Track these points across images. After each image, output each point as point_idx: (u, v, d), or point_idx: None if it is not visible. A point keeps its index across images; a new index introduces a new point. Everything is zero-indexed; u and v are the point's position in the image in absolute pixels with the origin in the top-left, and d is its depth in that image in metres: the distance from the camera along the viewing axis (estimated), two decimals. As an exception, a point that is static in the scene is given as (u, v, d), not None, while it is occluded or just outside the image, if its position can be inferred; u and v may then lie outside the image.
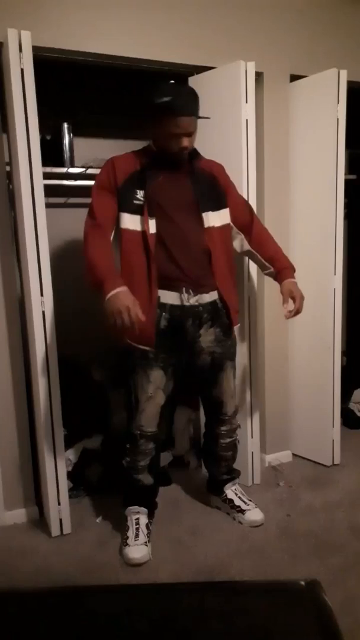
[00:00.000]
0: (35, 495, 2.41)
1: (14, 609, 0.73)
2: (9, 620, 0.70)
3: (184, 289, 2.01)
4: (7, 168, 2.23)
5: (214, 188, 2.10)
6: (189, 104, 1.91)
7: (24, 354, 2.33)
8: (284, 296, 2.15)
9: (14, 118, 1.99)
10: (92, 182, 2.85)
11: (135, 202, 1.97)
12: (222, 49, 2.45)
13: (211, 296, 2.07)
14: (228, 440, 2.32)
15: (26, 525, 2.35)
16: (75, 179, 2.71)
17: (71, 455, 2.52)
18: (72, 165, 2.67)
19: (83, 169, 2.67)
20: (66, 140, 2.65)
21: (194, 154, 2.07)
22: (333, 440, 2.78)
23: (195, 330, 2.06)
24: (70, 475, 2.45)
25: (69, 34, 2.15)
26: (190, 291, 2.01)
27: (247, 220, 2.20)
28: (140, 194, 1.97)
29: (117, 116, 2.87)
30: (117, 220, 2.00)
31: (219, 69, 2.41)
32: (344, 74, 2.51)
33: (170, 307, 2.01)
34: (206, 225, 2.03)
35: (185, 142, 1.91)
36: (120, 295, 1.80)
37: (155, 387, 2.06)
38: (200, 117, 1.95)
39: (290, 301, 2.15)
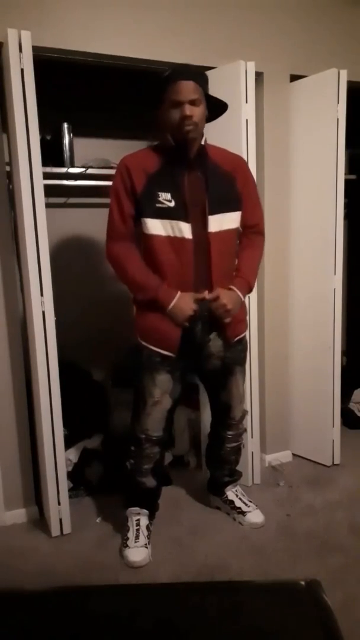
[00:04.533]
0: (35, 495, 2.41)
1: (14, 609, 0.73)
2: (9, 620, 0.70)
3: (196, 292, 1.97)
4: (7, 168, 2.23)
5: (230, 189, 2.00)
6: (190, 71, 1.87)
7: (24, 354, 2.33)
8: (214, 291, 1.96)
9: (14, 118, 1.99)
10: (92, 182, 2.90)
11: (158, 205, 1.88)
12: (222, 49, 2.45)
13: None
14: (234, 444, 2.30)
15: (26, 525, 2.35)
16: (75, 179, 2.71)
17: (71, 455, 2.51)
18: (72, 165, 2.67)
19: (83, 169, 2.67)
20: (66, 140, 2.65)
21: (204, 149, 1.97)
22: (333, 440, 2.78)
23: (204, 335, 2.02)
24: (70, 475, 2.45)
25: (69, 34, 2.15)
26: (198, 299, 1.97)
27: (246, 227, 2.11)
28: (165, 196, 1.88)
29: (117, 116, 2.87)
30: (138, 226, 1.94)
31: (219, 69, 2.41)
32: (344, 74, 2.51)
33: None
34: (211, 229, 1.93)
35: (186, 109, 1.80)
36: (181, 303, 1.89)
37: (162, 391, 2.02)
38: (207, 95, 1.88)
39: (210, 293, 1.95)
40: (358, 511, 2.37)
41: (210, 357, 2.07)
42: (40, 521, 2.37)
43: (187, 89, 1.81)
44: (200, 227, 1.92)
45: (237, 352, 2.13)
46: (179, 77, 1.82)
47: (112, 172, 2.75)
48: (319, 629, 0.74)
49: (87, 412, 2.64)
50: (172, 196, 1.89)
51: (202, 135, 1.94)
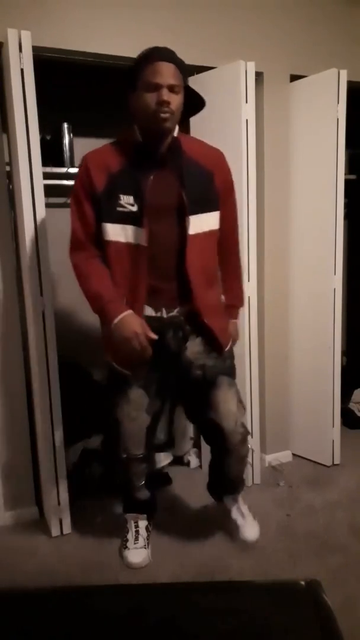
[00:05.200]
0: (35, 495, 2.41)
1: (14, 609, 0.73)
2: (9, 621, 0.70)
3: (162, 302, 1.80)
4: (7, 168, 2.23)
5: (208, 186, 1.79)
6: (172, 54, 1.67)
7: (24, 354, 2.33)
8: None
9: (14, 118, 1.99)
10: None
11: (119, 209, 1.70)
12: (222, 49, 2.45)
13: (189, 307, 1.83)
14: (236, 471, 2.06)
15: (26, 525, 2.35)
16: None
17: (71, 455, 2.51)
18: (72, 165, 2.67)
19: (83, 169, 2.66)
20: (66, 140, 2.65)
21: (176, 142, 1.75)
22: (333, 440, 2.78)
23: (178, 342, 1.84)
24: (70, 476, 2.45)
25: (69, 34, 2.15)
26: (170, 306, 1.82)
27: (223, 234, 1.90)
28: (126, 199, 1.69)
29: (117, 116, 2.86)
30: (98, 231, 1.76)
31: (219, 69, 2.41)
32: (344, 74, 2.51)
33: (146, 319, 1.76)
34: (192, 231, 1.74)
35: (164, 94, 1.58)
36: (126, 320, 1.68)
37: (135, 408, 1.87)
38: (185, 87, 1.67)
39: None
40: (358, 511, 2.37)
41: (190, 367, 1.86)
42: (40, 521, 2.37)
43: (168, 71, 1.61)
44: (170, 231, 1.74)
45: (220, 360, 1.89)
46: (159, 57, 1.62)
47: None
48: (319, 629, 0.74)
49: (87, 412, 2.64)
50: (134, 199, 1.69)
51: (174, 127, 1.73)
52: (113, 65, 2.31)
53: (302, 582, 0.81)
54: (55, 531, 2.25)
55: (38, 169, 2.04)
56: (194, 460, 2.86)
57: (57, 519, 2.25)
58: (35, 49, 2.00)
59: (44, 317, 2.12)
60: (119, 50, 2.25)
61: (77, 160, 2.71)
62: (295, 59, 2.64)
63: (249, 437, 2.03)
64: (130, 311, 1.71)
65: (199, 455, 2.85)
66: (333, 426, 2.77)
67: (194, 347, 1.85)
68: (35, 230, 2.06)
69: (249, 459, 2.39)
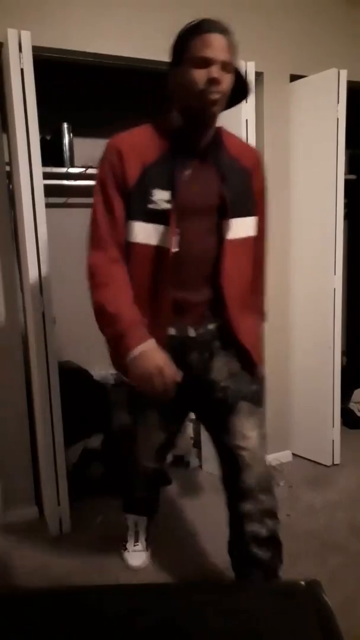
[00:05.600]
0: (35, 495, 2.41)
1: (14, 609, 0.73)
2: (9, 621, 0.70)
3: (189, 319, 1.54)
4: (7, 168, 2.23)
5: (247, 188, 1.55)
6: (223, 26, 1.42)
7: (24, 354, 2.33)
8: None
9: (14, 118, 1.99)
10: (92, 182, 2.86)
11: (151, 206, 1.42)
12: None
13: (221, 322, 1.57)
14: (260, 529, 1.55)
15: (26, 525, 2.35)
16: (75, 179, 2.71)
17: (71, 455, 2.51)
18: (72, 165, 2.67)
19: (83, 169, 2.67)
20: (66, 140, 2.65)
21: (218, 135, 1.51)
22: (333, 440, 2.78)
23: (204, 363, 1.57)
24: (70, 476, 2.45)
25: (69, 34, 2.15)
26: (197, 323, 1.55)
27: (255, 243, 1.62)
28: (160, 195, 1.42)
29: (117, 116, 2.86)
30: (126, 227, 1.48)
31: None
32: (344, 74, 2.51)
33: (169, 339, 1.51)
34: (230, 236, 1.49)
35: (215, 71, 1.34)
36: (149, 354, 1.39)
37: (151, 426, 1.72)
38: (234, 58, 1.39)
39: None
40: (358, 511, 2.37)
41: (213, 389, 1.57)
42: (40, 521, 2.37)
43: (221, 45, 1.36)
44: (205, 235, 1.49)
45: (246, 382, 1.59)
46: (212, 29, 1.39)
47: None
48: (319, 629, 0.74)
49: (87, 412, 2.64)
50: (172, 196, 1.42)
51: (219, 113, 1.47)
52: (113, 65, 2.31)
53: (302, 582, 0.81)
54: (54, 531, 2.25)
55: (38, 169, 2.04)
56: (194, 460, 2.86)
57: (57, 519, 2.25)
58: (35, 49, 2.00)
59: (44, 317, 2.12)
60: (119, 50, 2.25)
61: (77, 160, 2.72)
62: (295, 59, 2.64)
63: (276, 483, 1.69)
64: (152, 341, 1.43)
65: (199, 455, 2.85)
66: (333, 426, 2.77)
67: (220, 367, 1.58)
68: (35, 230, 2.06)
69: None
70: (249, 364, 1.60)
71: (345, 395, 3.12)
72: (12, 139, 2.08)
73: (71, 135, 2.66)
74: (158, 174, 1.43)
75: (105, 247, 1.48)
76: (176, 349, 1.50)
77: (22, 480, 2.38)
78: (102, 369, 2.96)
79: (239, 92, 1.49)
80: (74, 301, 2.85)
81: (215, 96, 1.36)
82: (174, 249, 1.44)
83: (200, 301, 1.53)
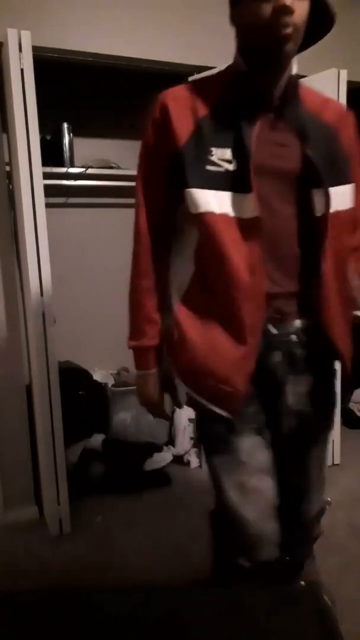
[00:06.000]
0: (35, 495, 2.41)
1: (14, 609, 0.73)
2: (8, 621, 0.70)
3: (272, 313, 1.18)
4: (7, 168, 2.23)
5: (335, 149, 1.21)
6: None
7: (24, 354, 2.33)
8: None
9: (14, 118, 1.99)
10: (92, 182, 2.90)
11: (210, 168, 1.11)
12: (222, 49, 2.44)
13: (308, 322, 1.23)
14: (305, 547, 1.41)
15: (26, 525, 2.35)
16: (75, 179, 2.71)
17: (71, 455, 2.52)
18: (72, 165, 2.67)
19: (83, 169, 2.67)
20: (66, 140, 2.65)
21: (293, 84, 1.22)
22: (333, 441, 2.78)
23: (283, 372, 1.22)
24: (70, 476, 2.45)
25: (68, 34, 2.15)
26: (283, 320, 1.21)
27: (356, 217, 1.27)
28: (220, 154, 1.11)
29: (117, 116, 2.87)
30: (179, 200, 1.16)
31: (218, 68, 2.40)
32: (344, 74, 2.51)
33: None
34: (327, 209, 1.15)
35: None
36: (148, 385, 1.28)
37: (253, 471, 1.18)
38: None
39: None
40: (358, 511, 2.37)
41: (285, 412, 1.25)
42: (40, 521, 2.37)
43: None
44: (285, 208, 1.17)
45: (324, 406, 1.33)
46: None
47: (112, 172, 2.78)
48: (319, 629, 0.74)
49: (87, 412, 2.64)
50: (233, 154, 1.11)
51: (294, 53, 1.18)
52: (113, 65, 2.31)
53: (302, 582, 0.81)
54: (54, 531, 2.25)
55: (38, 168, 2.04)
56: (194, 460, 2.86)
57: (57, 518, 2.25)
58: (35, 49, 2.00)
59: (44, 317, 2.12)
60: (119, 50, 2.25)
61: (77, 160, 2.72)
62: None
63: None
64: (154, 372, 1.27)
65: (199, 455, 2.85)
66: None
67: (298, 384, 1.24)
68: (35, 230, 2.06)
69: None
70: (332, 375, 1.33)
71: (345, 395, 3.12)
72: (12, 138, 2.08)
73: (71, 135, 2.66)
74: (216, 127, 1.13)
75: (144, 220, 1.23)
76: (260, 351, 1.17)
77: (22, 480, 2.38)
78: (102, 369, 2.96)
79: (317, 25, 1.22)
80: (74, 301, 2.86)
81: (287, 30, 1.06)
82: (255, 215, 1.11)
83: (287, 292, 1.20)
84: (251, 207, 1.11)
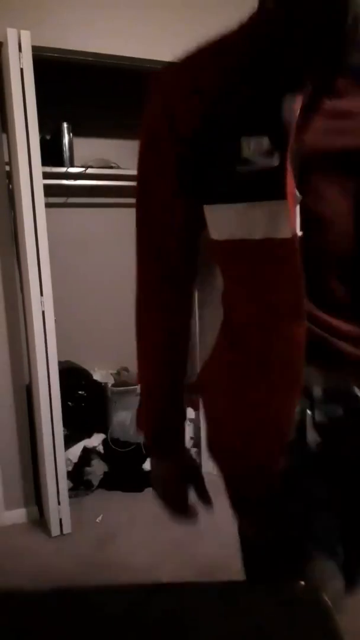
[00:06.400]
0: (35, 495, 2.41)
1: (14, 609, 0.73)
2: (8, 621, 0.70)
3: (347, 367, 0.76)
4: (7, 168, 2.23)
5: None
6: None
7: (24, 354, 2.33)
8: None
9: (13, 118, 1.99)
10: (92, 182, 2.90)
11: (239, 167, 0.68)
12: (222, 48, 2.45)
13: None
14: None
15: (26, 525, 2.35)
16: (75, 179, 2.71)
17: (71, 455, 2.52)
18: (72, 165, 2.67)
19: (83, 169, 2.67)
20: (66, 140, 2.65)
21: None
22: None
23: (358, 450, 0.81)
24: (70, 475, 2.45)
25: (68, 33, 2.15)
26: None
27: None
28: (255, 145, 0.67)
29: (117, 116, 2.87)
30: (200, 224, 0.77)
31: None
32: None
33: (323, 398, 0.76)
34: None
35: None
36: (166, 476, 0.98)
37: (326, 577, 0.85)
38: None
39: None
40: None
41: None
42: (40, 521, 2.37)
43: None
44: (351, 209, 0.71)
45: None
46: None
47: (112, 172, 2.78)
48: (319, 629, 0.74)
49: (87, 412, 2.64)
50: (272, 142, 0.67)
51: None
52: (113, 65, 2.31)
53: (302, 582, 0.81)
54: (55, 531, 2.25)
55: (38, 168, 2.04)
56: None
57: (57, 518, 2.25)
58: (34, 48, 2.00)
59: (44, 317, 2.12)
60: (119, 50, 2.25)
61: (77, 160, 2.72)
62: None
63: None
64: (175, 459, 0.98)
65: (199, 455, 2.85)
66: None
67: None
68: (35, 230, 2.06)
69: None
70: None
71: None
72: (12, 138, 2.08)
73: (71, 135, 2.66)
74: (240, 104, 0.71)
75: (151, 260, 0.87)
76: (335, 418, 0.76)
77: (22, 480, 2.38)
78: (102, 369, 2.96)
79: None
80: (74, 301, 2.86)
81: None
82: (295, 235, 0.68)
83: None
84: (292, 222, 0.68)
